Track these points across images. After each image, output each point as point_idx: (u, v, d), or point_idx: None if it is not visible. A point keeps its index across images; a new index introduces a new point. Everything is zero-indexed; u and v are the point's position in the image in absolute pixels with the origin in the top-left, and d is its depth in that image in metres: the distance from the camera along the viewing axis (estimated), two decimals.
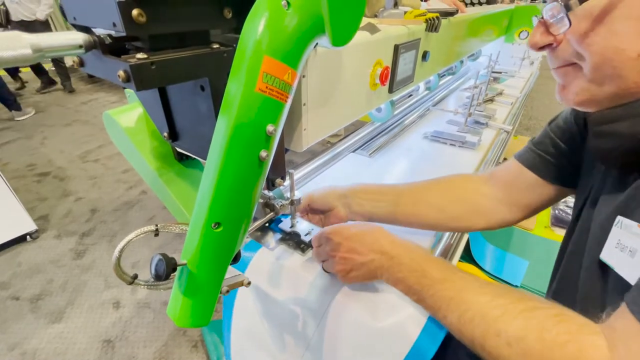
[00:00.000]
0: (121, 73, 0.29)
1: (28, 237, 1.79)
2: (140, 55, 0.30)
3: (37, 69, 4.11)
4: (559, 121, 0.53)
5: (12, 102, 3.34)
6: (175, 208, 0.63)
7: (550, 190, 0.54)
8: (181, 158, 0.62)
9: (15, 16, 3.31)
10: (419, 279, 0.42)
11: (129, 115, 0.59)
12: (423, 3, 1.11)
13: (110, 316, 1.41)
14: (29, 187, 2.29)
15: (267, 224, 0.64)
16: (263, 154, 0.33)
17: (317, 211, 0.63)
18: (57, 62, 4.07)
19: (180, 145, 0.48)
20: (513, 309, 0.35)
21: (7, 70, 4.20)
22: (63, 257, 1.71)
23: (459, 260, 1.49)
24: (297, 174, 0.89)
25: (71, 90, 4.22)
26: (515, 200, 0.57)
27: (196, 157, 0.56)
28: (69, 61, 5.31)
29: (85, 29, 0.33)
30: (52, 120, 3.47)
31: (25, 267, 1.65)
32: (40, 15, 3.40)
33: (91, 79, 4.95)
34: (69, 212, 2.05)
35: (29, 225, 1.78)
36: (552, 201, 0.55)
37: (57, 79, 4.26)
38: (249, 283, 0.44)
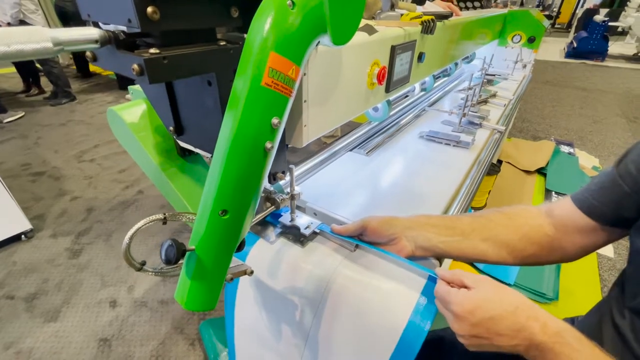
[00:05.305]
0: (135, 67, 0.30)
1: (23, 236, 1.78)
2: (153, 50, 0.31)
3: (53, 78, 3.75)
4: (630, 168, 0.47)
5: None
6: (178, 202, 0.64)
7: (612, 233, 0.51)
8: (184, 153, 0.64)
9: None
10: None
11: (132, 111, 0.60)
12: (419, 7, 1.13)
13: (106, 315, 1.40)
14: (24, 187, 2.28)
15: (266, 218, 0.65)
16: (268, 145, 0.35)
17: (370, 240, 0.58)
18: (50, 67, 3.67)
19: (185, 139, 0.50)
20: None
21: (20, 71, 4.07)
22: (59, 257, 1.70)
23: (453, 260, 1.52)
24: (296, 171, 0.91)
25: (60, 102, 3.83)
26: (573, 243, 0.54)
27: (199, 152, 0.58)
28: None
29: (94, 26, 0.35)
30: (47, 119, 3.44)
31: (20, 266, 1.64)
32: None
33: (85, 79, 4.91)
34: (64, 211, 2.04)
35: (24, 225, 1.77)
36: (611, 241, 0.53)
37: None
38: (252, 272, 0.46)
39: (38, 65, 3.94)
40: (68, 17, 3.68)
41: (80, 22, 0.35)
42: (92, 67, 5.17)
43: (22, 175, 2.43)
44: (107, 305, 1.44)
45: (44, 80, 4.07)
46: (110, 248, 1.76)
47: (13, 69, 4.14)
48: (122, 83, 4.35)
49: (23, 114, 3.51)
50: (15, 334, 1.33)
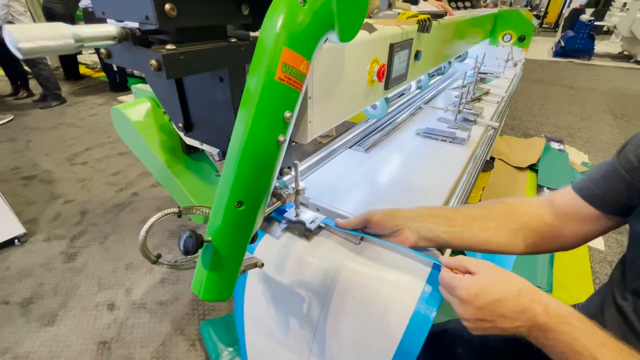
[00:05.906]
0: (153, 62, 0.31)
1: (16, 240, 1.75)
2: (169, 47, 0.32)
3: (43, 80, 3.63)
4: (631, 158, 0.49)
5: None
6: (184, 199, 0.64)
7: (612, 221, 0.53)
8: (189, 151, 0.64)
9: None
10: None
11: (137, 109, 0.60)
12: (413, 6, 1.16)
13: (105, 318, 1.39)
14: (15, 191, 2.24)
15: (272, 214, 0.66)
16: (281, 138, 0.36)
17: (374, 232, 0.59)
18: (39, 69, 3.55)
19: (194, 135, 0.51)
20: None
21: (8, 74, 3.98)
22: (53, 261, 1.68)
23: (450, 255, 1.55)
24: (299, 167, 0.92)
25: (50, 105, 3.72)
26: (572, 231, 0.56)
27: (204, 149, 0.58)
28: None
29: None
30: (36, 123, 3.38)
31: (14, 271, 1.61)
32: None
33: (76, 82, 4.84)
34: (57, 215, 2.01)
35: (17, 229, 1.74)
36: (610, 230, 0.54)
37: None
38: (262, 264, 0.47)
39: (26, 68, 3.86)
40: (55, 19, 3.61)
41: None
42: (83, 70, 5.09)
43: (12, 179, 2.38)
44: (104, 308, 1.43)
45: (32, 83, 3.99)
46: (106, 251, 1.74)
47: (1, 72, 4.05)
48: (114, 85, 4.29)
49: (12, 117, 3.44)
50: (12, 339, 1.31)
